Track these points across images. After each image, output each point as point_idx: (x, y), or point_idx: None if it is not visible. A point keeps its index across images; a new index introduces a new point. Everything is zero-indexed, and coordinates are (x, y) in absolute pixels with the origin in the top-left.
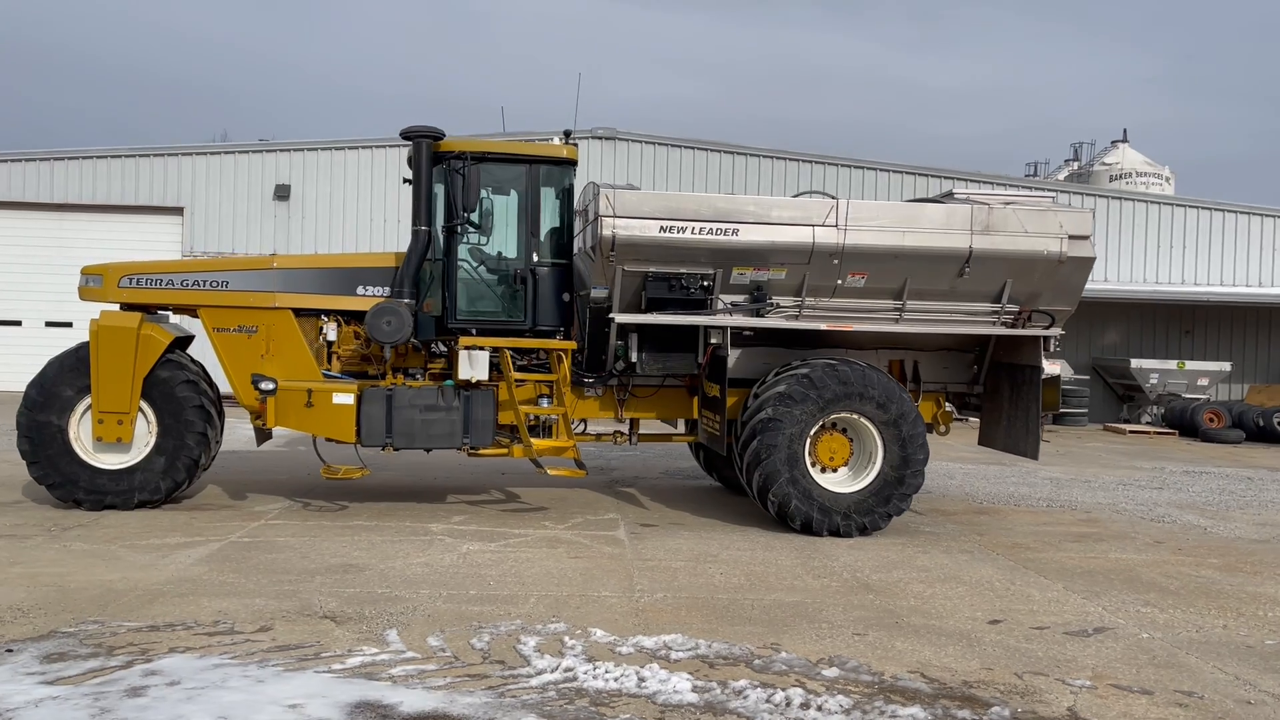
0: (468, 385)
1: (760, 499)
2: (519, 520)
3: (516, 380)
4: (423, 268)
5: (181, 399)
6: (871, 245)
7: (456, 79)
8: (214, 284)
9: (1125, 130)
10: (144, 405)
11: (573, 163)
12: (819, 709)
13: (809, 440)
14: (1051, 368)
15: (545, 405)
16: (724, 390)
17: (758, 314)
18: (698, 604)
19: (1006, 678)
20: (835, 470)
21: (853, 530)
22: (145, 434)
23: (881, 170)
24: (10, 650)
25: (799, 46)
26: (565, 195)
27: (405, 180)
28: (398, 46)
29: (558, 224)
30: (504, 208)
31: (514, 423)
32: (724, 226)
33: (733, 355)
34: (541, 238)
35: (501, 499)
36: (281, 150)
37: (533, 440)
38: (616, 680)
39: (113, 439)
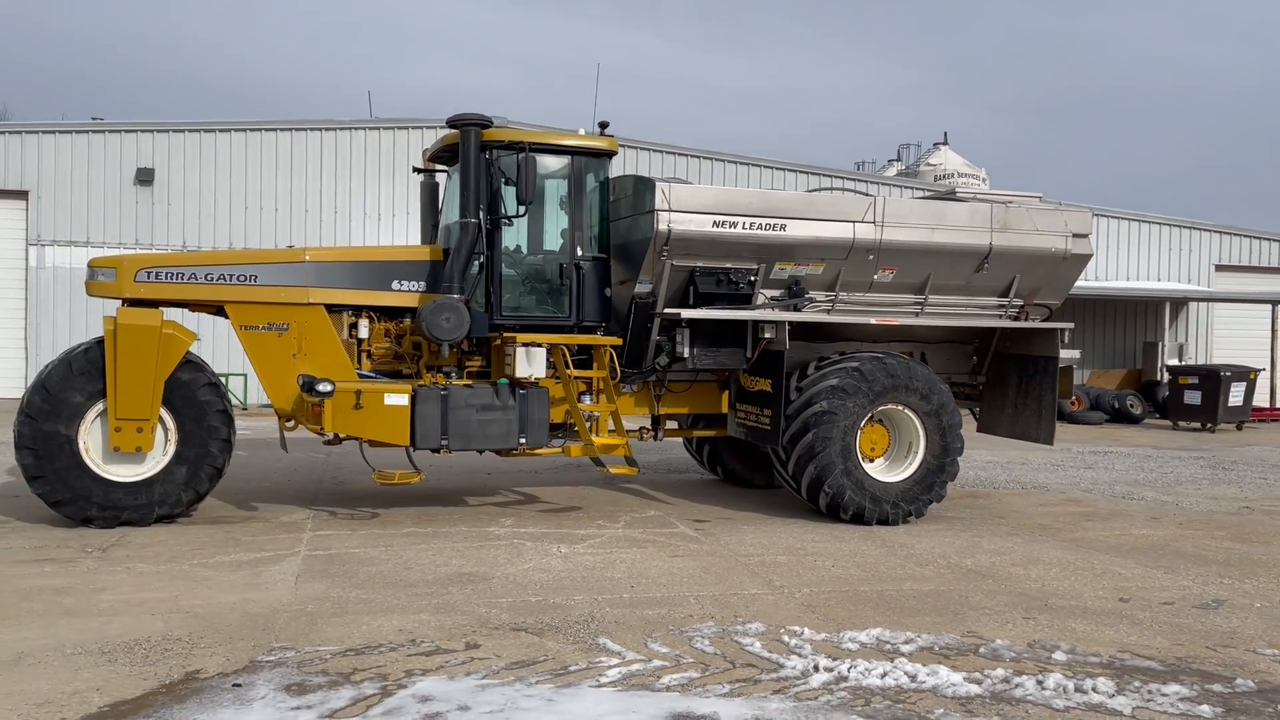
0: (521, 384)
1: (811, 490)
2: (571, 521)
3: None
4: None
5: (204, 403)
6: (905, 241)
7: (256, 57)
8: (241, 278)
9: (946, 134)
10: (162, 411)
11: (613, 154)
12: (1094, 690)
13: (858, 432)
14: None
15: (586, 402)
16: (779, 385)
17: (795, 308)
18: (848, 596)
19: (1201, 651)
20: (873, 461)
21: (900, 518)
22: (162, 442)
23: (730, 162)
24: (240, 685)
25: (595, 40)
26: (603, 188)
27: (415, 169)
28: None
29: (598, 217)
30: (548, 200)
31: (559, 422)
32: (771, 222)
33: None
34: (584, 231)
35: (522, 500)
36: (143, 130)
37: (597, 441)
38: (885, 677)
39: (131, 448)
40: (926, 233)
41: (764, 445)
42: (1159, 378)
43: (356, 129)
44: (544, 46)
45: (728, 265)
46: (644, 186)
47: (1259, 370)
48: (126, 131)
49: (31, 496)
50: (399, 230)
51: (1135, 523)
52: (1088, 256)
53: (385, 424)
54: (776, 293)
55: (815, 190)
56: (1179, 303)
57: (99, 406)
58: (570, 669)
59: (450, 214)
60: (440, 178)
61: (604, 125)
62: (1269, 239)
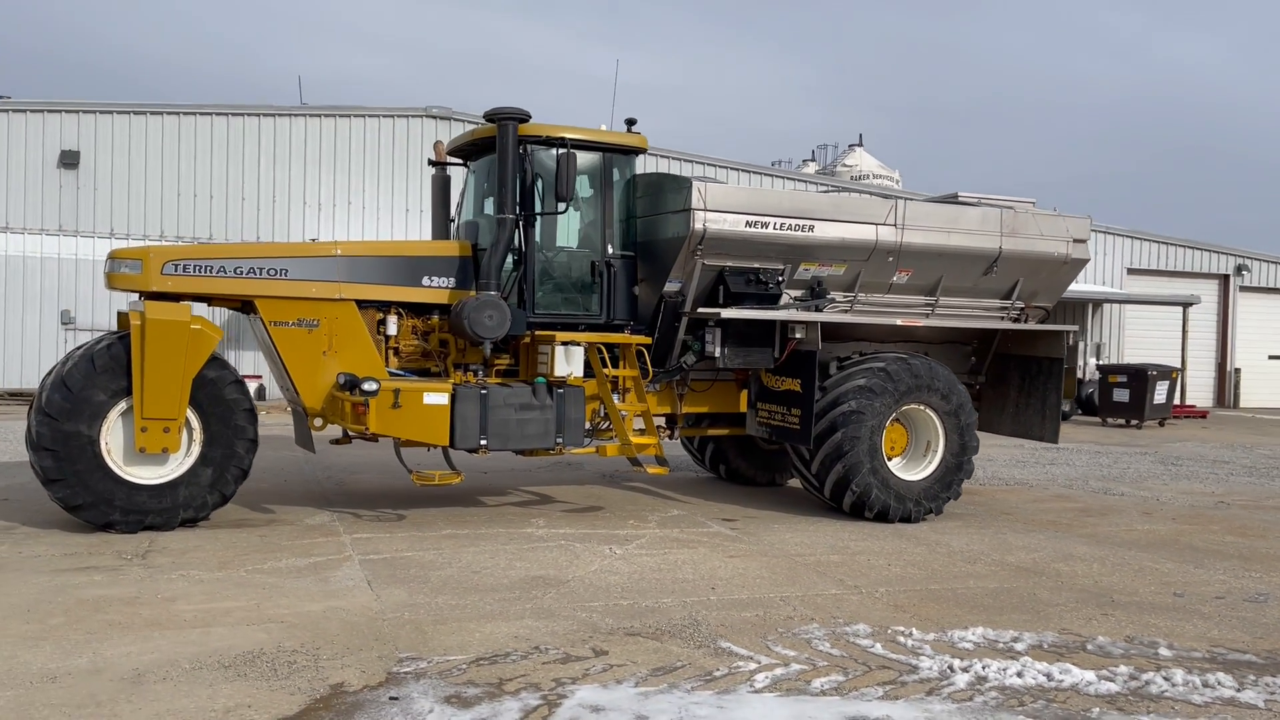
0: (558, 383)
1: (837, 489)
2: (603, 521)
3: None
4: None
5: (231, 402)
6: (923, 244)
7: (142, 41)
8: (272, 272)
9: (861, 135)
10: (188, 411)
11: (642, 151)
12: (1219, 685)
13: (884, 432)
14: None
15: (615, 401)
16: (810, 384)
17: (817, 309)
18: (926, 595)
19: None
20: (892, 460)
21: (921, 515)
22: (186, 443)
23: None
24: (397, 699)
25: (490, 29)
26: (630, 185)
27: (431, 162)
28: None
29: (626, 214)
30: (579, 196)
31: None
32: (800, 222)
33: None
34: (614, 228)
35: (538, 499)
36: (68, 111)
37: (634, 440)
38: (1022, 676)
39: (158, 449)
40: (943, 236)
41: (790, 444)
42: (1082, 376)
43: (297, 116)
44: (436, 34)
45: (755, 265)
46: (677, 184)
47: (1179, 370)
48: (49, 112)
49: (28, 498)
50: (339, 222)
51: (1131, 518)
52: (1085, 261)
53: (424, 423)
54: (798, 293)
55: (833, 190)
56: (1097, 304)
57: (122, 405)
58: (715, 674)
59: (470, 209)
60: (458, 172)
61: (631, 122)
62: (1176, 244)
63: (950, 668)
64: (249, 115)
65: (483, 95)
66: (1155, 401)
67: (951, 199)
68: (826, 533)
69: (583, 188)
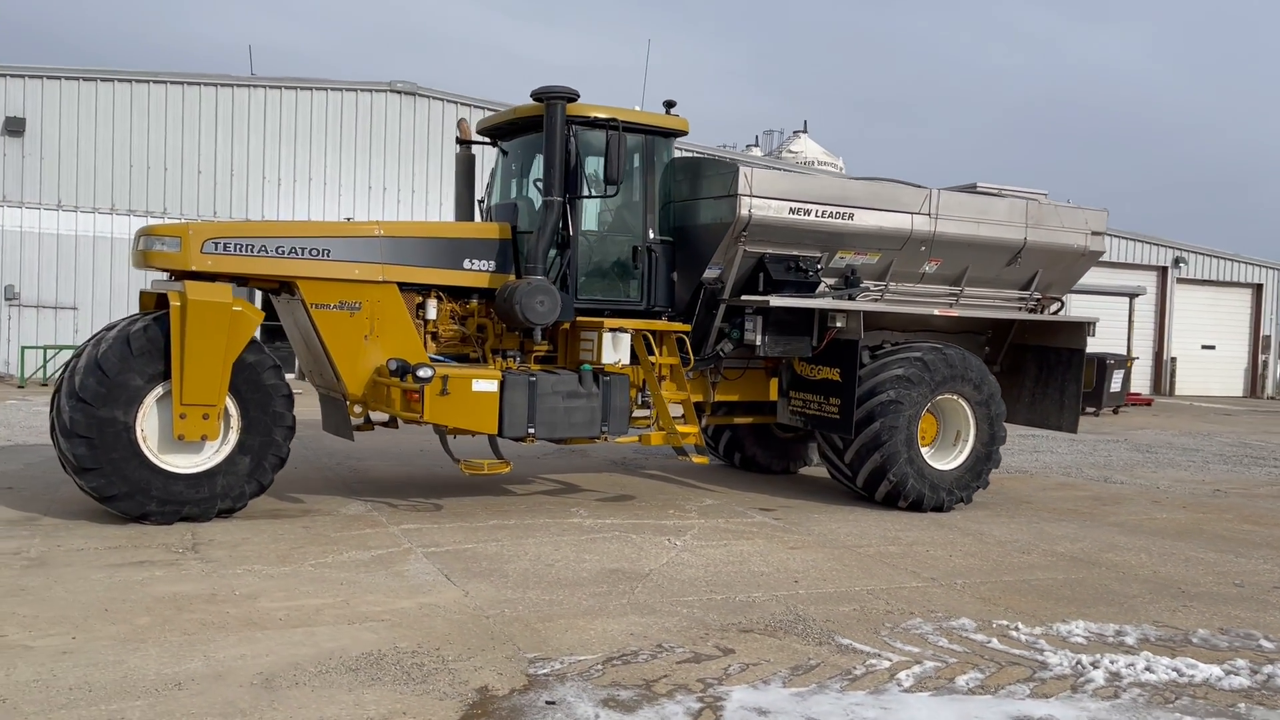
0: (604, 371)
1: (872, 479)
2: (644, 511)
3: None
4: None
5: (270, 387)
6: (955, 234)
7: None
8: (314, 252)
9: (805, 122)
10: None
11: (684, 134)
12: None
13: (919, 421)
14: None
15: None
16: (851, 373)
17: (850, 297)
18: (1004, 588)
19: None
20: (922, 449)
21: (952, 504)
22: (223, 430)
23: None
24: (554, 703)
25: (415, 2)
26: (669, 169)
27: (459, 141)
28: None
29: (665, 198)
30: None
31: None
32: (841, 210)
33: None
34: (655, 213)
35: (564, 488)
36: (13, 76)
37: (680, 429)
38: (1150, 672)
39: (196, 437)
40: (973, 226)
41: (822, 433)
42: None
43: (256, 87)
44: (347, 3)
45: (794, 252)
46: (721, 169)
47: (1135, 358)
48: None
49: (37, 488)
50: (300, 197)
51: (1144, 506)
52: (1100, 254)
53: (473, 411)
54: (831, 281)
55: (874, 179)
56: None
57: (158, 390)
58: (854, 673)
59: (503, 191)
60: (489, 152)
61: (670, 104)
62: (1117, 236)
63: (1079, 664)
64: (205, 85)
65: (405, 70)
66: (1111, 390)
67: (970, 189)
68: (869, 522)
69: (629, 170)
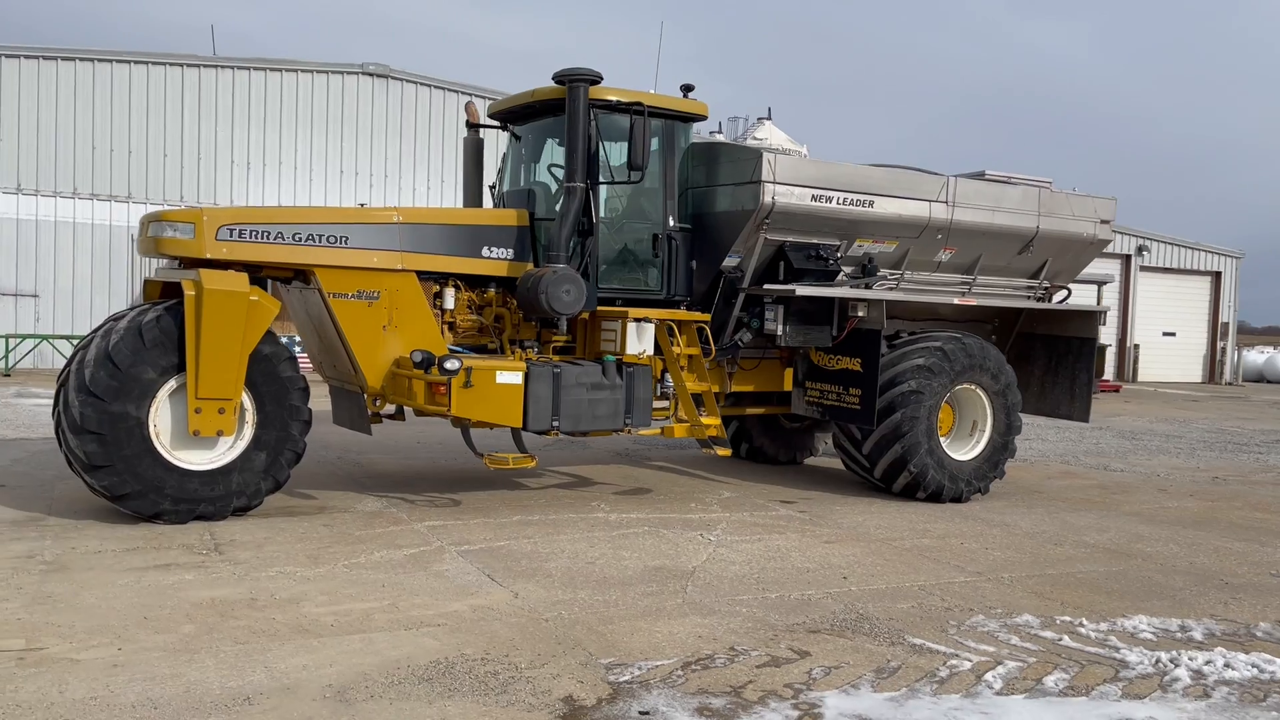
0: (627, 362)
1: (892, 470)
2: (665, 505)
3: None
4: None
5: (286, 380)
6: (972, 222)
7: None
8: (332, 239)
9: (770, 109)
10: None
11: (703, 118)
12: None
13: (939, 412)
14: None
15: (668, 380)
16: (873, 364)
17: (867, 286)
18: (1054, 581)
19: None
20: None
21: (970, 495)
22: (238, 425)
23: None
24: (647, 714)
25: None
26: (687, 154)
27: (469, 124)
28: None
29: (683, 185)
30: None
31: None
32: (861, 198)
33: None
34: (674, 200)
35: (574, 481)
36: None
37: (702, 419)
38: (1230, 669)
39: (212, 432)
40: (989, 214)
41: (839, 424)
42: None
43: (223, 68)
44: None
45: (814, 240)
46: (743, 155)
47: (1106, 345)
48: None
49: (30, 486)
50: (270, 181)
51: (1154, 495)
52: (1108, 242)
53: (497, 404)
54: (849, 269)
55: (892, 166)
56: None
57: (171, 384)
58: (939, 674)
59: (517, 177)
60: (501, 137)
61: (688, 88)
62: None
63: (1160, 662)
64: (171, 65)
65: (349, 52)
66: None
67: (978, 177)
68: (893, 515)
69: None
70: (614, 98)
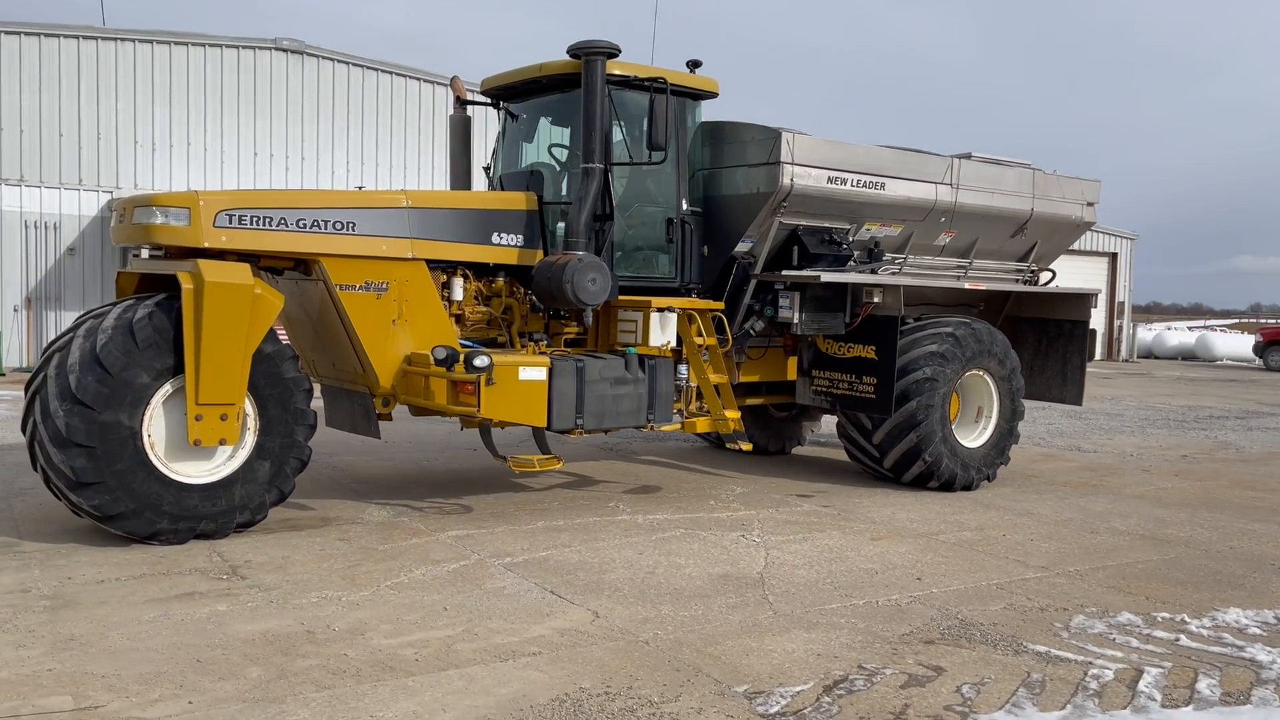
0: (649, 354)
1: (905, 459)
2: (686, 504)
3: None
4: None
5: (290, 381)
6: (974, 205)
7: None
8: (338, 225)
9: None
10: None
11: (715, 96)
12: None
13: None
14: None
15: (683, 372)
16: (890, 351)
17: (873, 271)
18: (1123, 573)
19: None
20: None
21: (979, 482)
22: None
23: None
24: None
25: None
26: (696, 134)
27: (460, 100)
28: None
29: (692, 166)
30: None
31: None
32: (873, 180)
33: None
34: (687, 183)
35: (577, 480)
36: None
37: (726, 413)
38: None
39: (214, 441)
40: (989, 197)
41: (849, 413)
42: None
43: (123, 40)
44: None
45: (826, 224)
46: (759, 134)
47: None
48: None
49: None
50: (177, 163)
51: (1137, 476)
52: (1091, 224)
53: (520, 402)
54: (857, 253)
55: (900, 148)
56: None
57: (166, 389)
58: (1089, 686)
59: (515, 158)
60: (492, 114)
61: (695, 64)
62: None
63: None
64: (65, 37)
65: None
66: None
67: (966, 158)
68: (915, 506)
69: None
70: (632, 73)
